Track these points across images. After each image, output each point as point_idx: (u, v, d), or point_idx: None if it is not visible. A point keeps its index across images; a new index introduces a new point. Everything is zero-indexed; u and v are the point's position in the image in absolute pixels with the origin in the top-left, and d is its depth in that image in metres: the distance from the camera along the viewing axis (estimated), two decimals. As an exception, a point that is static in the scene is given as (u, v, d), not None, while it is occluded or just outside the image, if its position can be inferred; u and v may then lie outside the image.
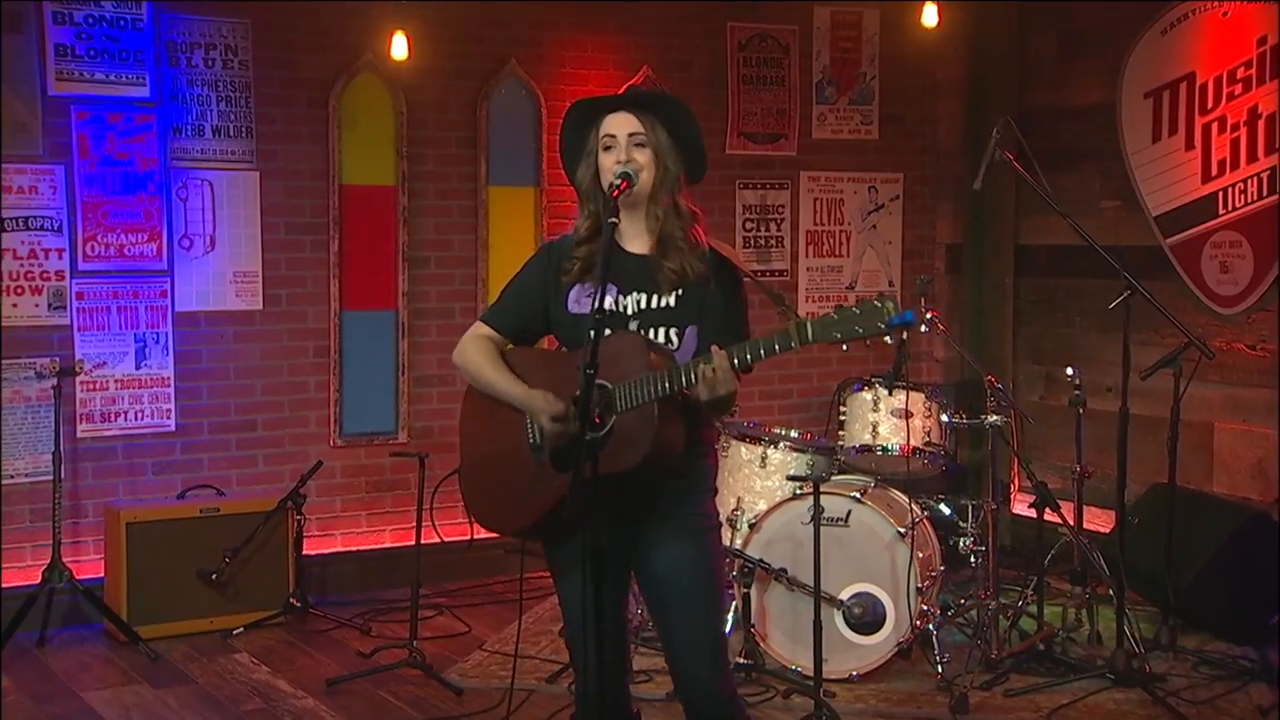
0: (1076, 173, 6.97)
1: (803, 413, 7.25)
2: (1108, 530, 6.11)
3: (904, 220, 7.62)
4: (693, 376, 3.07)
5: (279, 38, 6.23)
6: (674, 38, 7.02)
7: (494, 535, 3.57)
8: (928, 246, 7.71)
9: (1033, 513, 5.51)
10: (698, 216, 3.35)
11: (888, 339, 2.98)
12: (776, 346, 3.03)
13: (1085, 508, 5.69)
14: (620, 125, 3.29)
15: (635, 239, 3.34)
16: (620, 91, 5.89)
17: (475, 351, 3.41)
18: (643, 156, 3.27)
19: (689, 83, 6.99)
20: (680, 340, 3.27)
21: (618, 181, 3.20)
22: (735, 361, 3.07)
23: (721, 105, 7.14)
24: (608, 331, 3.15)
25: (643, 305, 3.29)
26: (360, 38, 6.36)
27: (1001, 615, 5.30)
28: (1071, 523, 5.51)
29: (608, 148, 3.29)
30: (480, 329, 3.45)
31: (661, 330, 3.27)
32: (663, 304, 3.28)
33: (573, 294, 3.34)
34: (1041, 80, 7.28)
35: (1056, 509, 5.35)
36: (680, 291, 3.27)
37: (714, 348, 3.08)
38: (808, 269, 7.41)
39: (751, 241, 7.28)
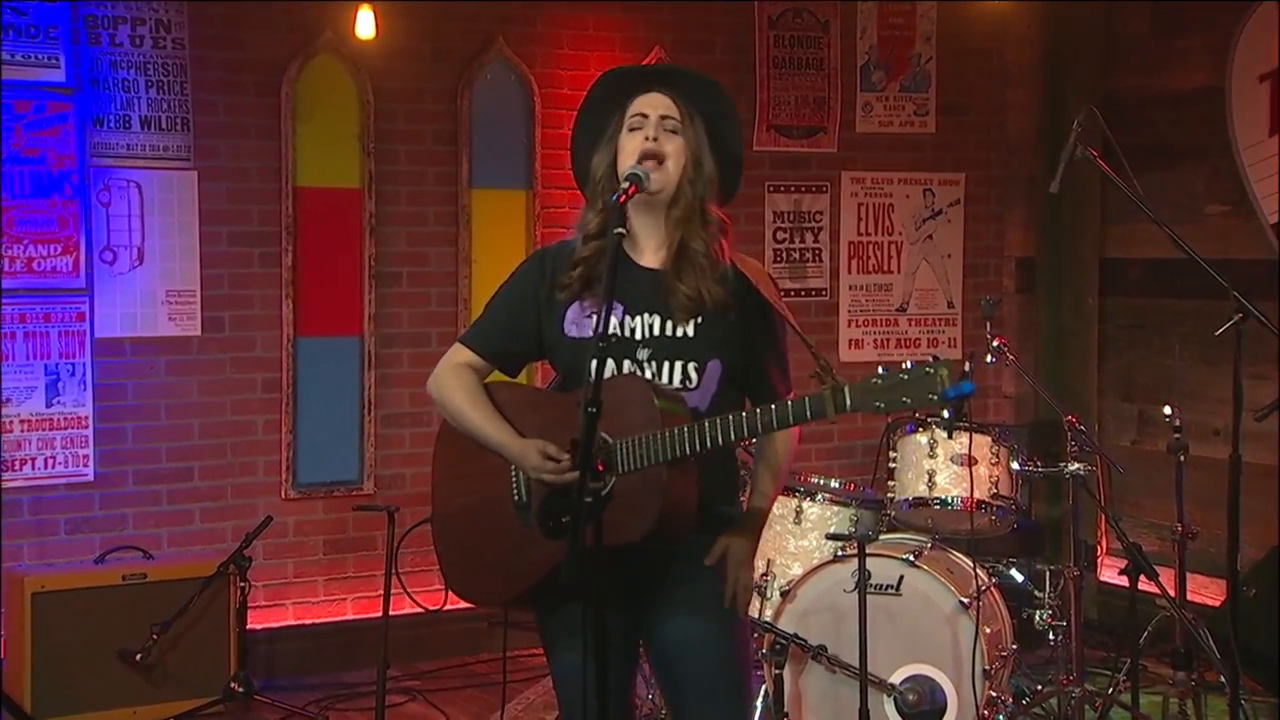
0: (1176, 172, 6.98)
1: (845, 459, 7.26)
2: (1217, 603, 6.12)
3: (966, 229, 7.66)
4: (711, 437, 3.12)
5: (221, 12, 6.24)
6: (691, 13, 7.06)
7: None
8: (995, 261, 7.76)
9: (1124, 580, 5.45)
10: (726, 228, 3.39)
11: (944, 413, 3.00)
12: (809, 413, 3.08)
13: (1189, 575, 5.61)
14: (654, 104, 3.34)
15: (649, 249, 3.37)
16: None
17: (455, 385, 3.42)
18: (671, 145, 3.31)
19: (709, 66, 6.95)
20: (700, 377, 3.29)
21: (625, 185, 3.22)
22: (744, 429, 3.14)
23: (748, 93, 7.15)
24: (610, 364, 3.20)
25: (655, 331, 3.31)
26: (318, 13, 6.37)
27: (1088, 705, 5.26)
28: (1172, 593, 5.44)
29: (635, 128, 3.33)
30: (459, 354, 3.47)
31: (679, 365, 3.29)
32: (679, 333, 3.30)
33: (570, 312, 3.35)
34: (1133, 61, 7.27)
35: (1154, 576, 5.27)
36: (699, 320, 3.30)
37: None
38: (850, 287, 7.43)
39: (783, 255, 7.28)
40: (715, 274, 3.30)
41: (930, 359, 2.99)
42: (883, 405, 2.99)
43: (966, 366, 5.40)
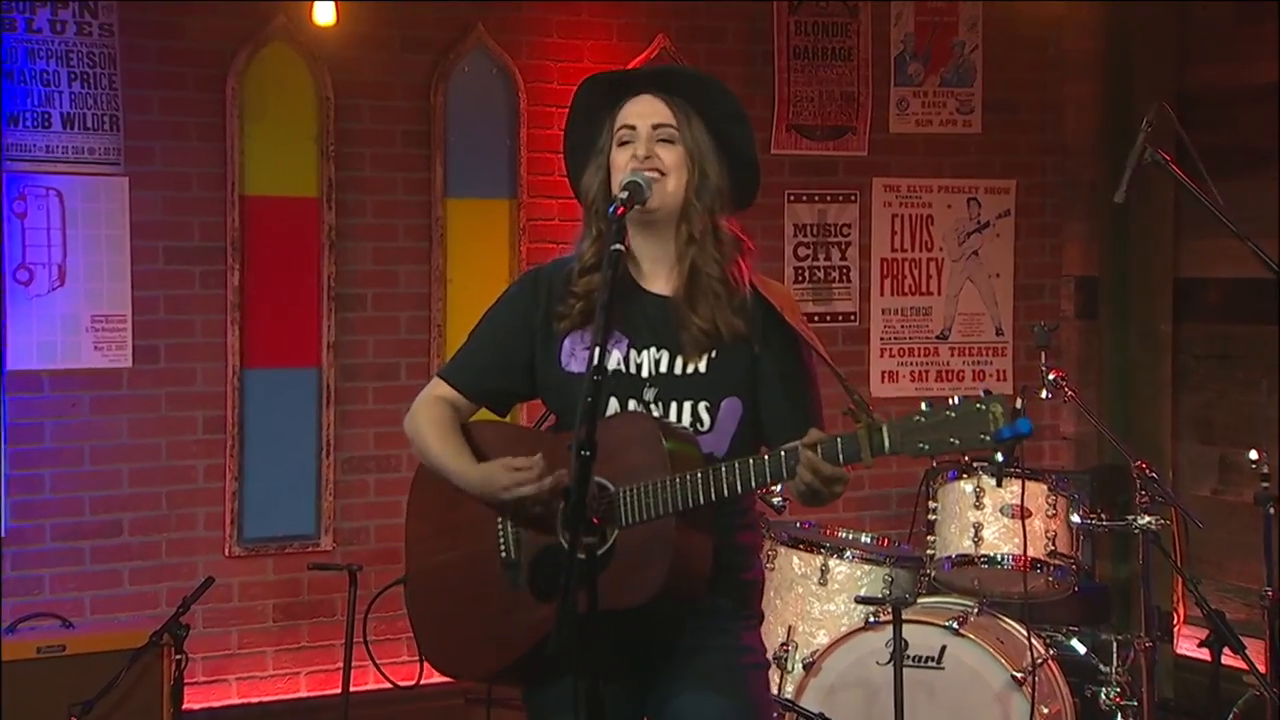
0: (1261, 178, 6.96)
1: (878, 509, 7.26)
2: (1314, 679, 6.11)
3: (1017, 245, 7.68)
4: (729, 483, 3.12)
5: (157, -7, 6.33)
6: (701, -4, 7.14)
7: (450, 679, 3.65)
8: (1051, 281, 7.79)
9: (1205, 653, 5.47)
10: (744, 247, 3.41)
11: (998, 455, 2.94)
12: (840, 456, 3.06)
13: (1281, 647, 5.69)
14: (643, 113, 3.35)
15: (657, 273, 3.40)
16: (630, 67, 5.90)
17: (425, 416, 3.46)
18: (670, 156, 3.33)
19: (720, 58, 7.07)
20: (713, 419, 3.31)
21: (621, 196, 3.24)
22: (765, 475, 3.11)
23: (765, 88, 7.17)
24: (613, 403, 3.26)
25: (663, 368, 3.34)
26: (270, -5, 6.47)
27: (1163, 799, 5.21)
28: (1262, 669, 5.43)
29: (624, 141, 3.35)
30: (438, 389, 3.50)
31: (688, 405, 3.32)
32: (690, 370, 3.33)
33: (568, 344, 3.38)
34: (1211, 51, 7.31)
35: (1240, 649, 5.27)
36: (714, 354, 3.32)
37: (803, 450, 3.09)
38: (883, 311, 7.44)
39: (806, 274, 7.28)
40: (733, 302, 3.33)
41: (981, 393, 2.96)
42: (927, 447, 2.98)
43: (1019, 403, 5.35)
